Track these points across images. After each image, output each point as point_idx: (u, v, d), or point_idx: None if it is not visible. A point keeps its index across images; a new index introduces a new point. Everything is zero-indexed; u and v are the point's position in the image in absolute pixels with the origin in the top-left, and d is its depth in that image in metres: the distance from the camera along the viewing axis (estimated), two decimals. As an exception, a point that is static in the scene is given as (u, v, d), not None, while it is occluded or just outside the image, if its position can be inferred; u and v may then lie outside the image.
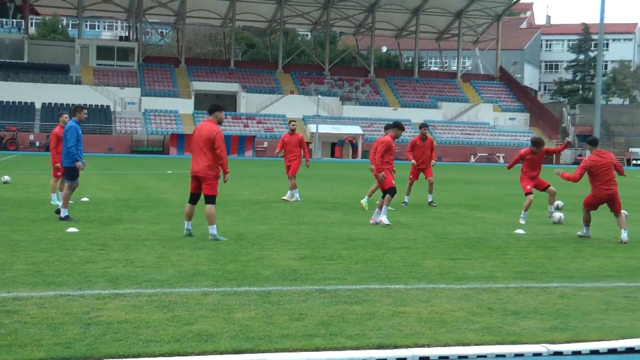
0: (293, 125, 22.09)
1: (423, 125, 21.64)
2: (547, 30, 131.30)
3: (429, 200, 21.11)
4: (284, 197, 21.24)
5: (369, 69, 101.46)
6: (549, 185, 17.83)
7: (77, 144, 15.38)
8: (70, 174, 15.55)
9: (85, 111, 16.15)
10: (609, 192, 14.33)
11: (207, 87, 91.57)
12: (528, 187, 17.40)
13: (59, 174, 17.36)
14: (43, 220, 15.00)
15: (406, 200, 21.17)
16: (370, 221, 15.97)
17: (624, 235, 13.87)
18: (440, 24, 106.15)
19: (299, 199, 21.02)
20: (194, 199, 13.21)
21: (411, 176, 21.34)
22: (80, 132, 15.59)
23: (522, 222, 16.80)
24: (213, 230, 12.84)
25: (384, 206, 15.97)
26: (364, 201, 18.97)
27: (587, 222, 14.59)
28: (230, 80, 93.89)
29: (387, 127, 16.89)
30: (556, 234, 14.96)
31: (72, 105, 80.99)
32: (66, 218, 14.96)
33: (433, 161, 21.42)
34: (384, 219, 15.74)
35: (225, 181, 13.46)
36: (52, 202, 18.19)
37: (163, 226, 14.42)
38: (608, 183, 14.36)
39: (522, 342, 6.63)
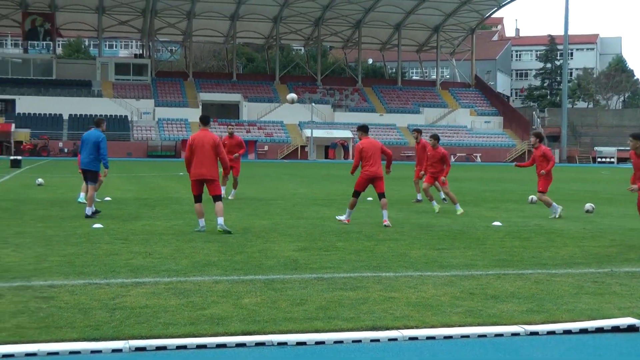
0: (231, 128, 21.70)
1: (416, 130, 21.27)
2: (516, 42, 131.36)
3: (419, 198, 20.83)
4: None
5: (357, 79, 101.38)
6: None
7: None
8: (95, 178, 15.54)
9: (105, 123, 16.12)
10: None
11: (213, 98, 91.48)
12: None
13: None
14: (72, 217, 14.98)
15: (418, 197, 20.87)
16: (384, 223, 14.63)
17: None
18: (420, 37, 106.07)
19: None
20: (200, 198, 13.21)
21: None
22: (87, 139, 15.50)
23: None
24: (222, 221, 12.86)
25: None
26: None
27: None
28: (233, 91, 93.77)
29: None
30: (530, 225, 14.95)
31: (96, 116, 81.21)
32: (92, 215, 14.94)
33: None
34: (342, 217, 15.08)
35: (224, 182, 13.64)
36: (77, 200, 18.29)
37: (177, 222, 14.41)
38: None
39: (501, 324, 6.61)
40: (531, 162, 17.51)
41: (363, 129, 15.36)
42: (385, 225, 14.15)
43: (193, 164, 13.08)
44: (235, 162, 20.25)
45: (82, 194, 17.90)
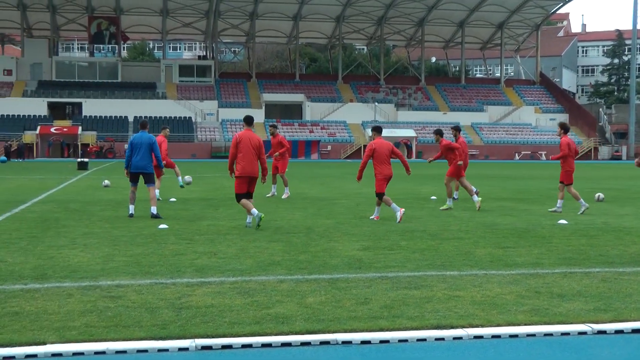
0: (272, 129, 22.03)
1: (437, 132, 20.28)
2: (583, 37, 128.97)
3: (456, 197, 20.62)
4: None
5: (420, 78, 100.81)
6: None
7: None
8: (153, 179, 15.91)
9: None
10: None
11: (276, 98, 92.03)
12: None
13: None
14: (138, 218, 15.24)
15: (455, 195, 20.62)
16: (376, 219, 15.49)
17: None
18: (484, 35, 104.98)
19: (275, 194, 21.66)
20: (246, 196, 13.73)
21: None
22: (140, 142, 15.85)
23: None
24: (255, 211, 13.37)
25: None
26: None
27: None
28: (296, 91, 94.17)
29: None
30: (597, 223, 14.69)
31: (161, 118, 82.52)
32: (157, 216, 15.21)
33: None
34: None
35: (264, 182, 14.49)
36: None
37: (241, 222, 14.52)
38: None
39: (568, 323, 6.53)
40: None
41: (377, 130, 16.05)
42: (371, 218, 15.38)
43: (242, 162, 13.52)
44: (278, 161, 21.39)
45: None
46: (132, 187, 15.82)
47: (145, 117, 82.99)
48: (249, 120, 14.01)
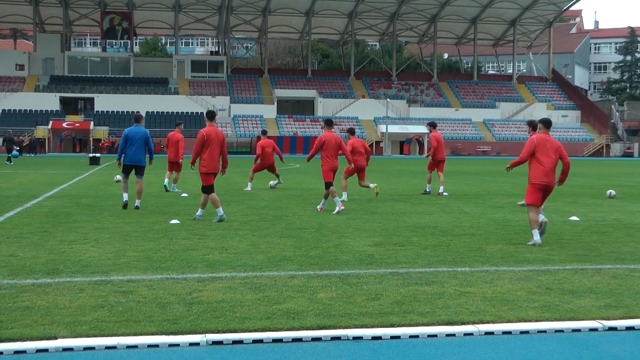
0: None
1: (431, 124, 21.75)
2: (595, 34, 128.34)
3: (428, 189, 21.42)
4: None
5: (432, 74, 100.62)
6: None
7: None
8: (143, 171, 16.47)
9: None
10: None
11: (288, 94, 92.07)
12: None
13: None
14: (150, 213, 15.28)
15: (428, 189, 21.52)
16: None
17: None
18: (496, 31, 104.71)
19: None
20: (213, 188, 14.08)
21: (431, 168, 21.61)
22: (136, 136, 16.34)
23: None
24: (221, 211, 13.79)
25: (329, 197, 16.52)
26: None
27: None
28: (308, 87, 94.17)
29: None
30: (608, 220, 14.63)
31: (173, 113, 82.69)
32: (137, 207, 15.98)
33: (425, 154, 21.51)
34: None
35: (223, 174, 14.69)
36: (172, 190, 20.54)
37: (252, 217, 14.55)
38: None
39: (579, 319, 6.52)
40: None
41: (328, 124, 16.78)
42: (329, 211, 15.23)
43: (208, 159, 13.76)
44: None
45: (174, 185, 18.81)
46: (124, 178, 16.35)
47: (158, 112, 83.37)
48: (211, 115, 14.11)
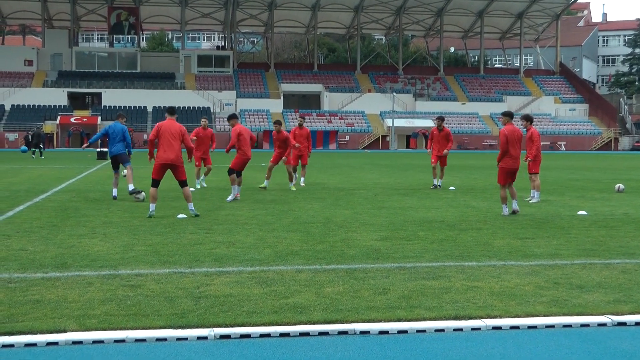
0: (300, 120, 22.31)
1: (439, 118, 21.44)
2: (603, 27, 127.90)
3: (439, 183, 21.29)
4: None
5: (438, 68, 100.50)
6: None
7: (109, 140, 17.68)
8: (128, 158, 17.70)
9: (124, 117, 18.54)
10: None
11: (294, 89, 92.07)
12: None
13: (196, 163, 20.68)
14: (157, 207, 15.23)
15: (435, 183, 21.33)
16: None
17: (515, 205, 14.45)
18: (503, 24, 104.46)
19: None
20: (158, 184, 13.98)
21: (432, 160, 21.37)
22: (115, 132, 17.65)
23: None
24: (192, 206, 13.80)
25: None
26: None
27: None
28: (314, 81, 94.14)
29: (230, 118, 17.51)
30: (617, 214, 14.58)
31: (180, 108, 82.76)
32: (134, 191, 16.92)
33: (445, 151, 21.03)
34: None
35: (189, 161, 15.12)
36: (196, 187, 20.55)
37: (259, 212, 14.56)
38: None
39: (587, 314, 6.50)
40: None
41: (233, 117, 17.40)
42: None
43: (160, 149, 13.86)
44: (303, 151, 21.58)
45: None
46: (114, 173, 17.54)
47: (164, 107, 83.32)
48: (171, 111, 14.44)
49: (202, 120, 21.51)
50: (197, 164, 20.84)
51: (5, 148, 75.17)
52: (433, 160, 21.31)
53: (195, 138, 20.64)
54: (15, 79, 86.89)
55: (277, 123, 20.29)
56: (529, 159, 17.51)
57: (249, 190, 20.24)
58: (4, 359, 5.35)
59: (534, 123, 16.92)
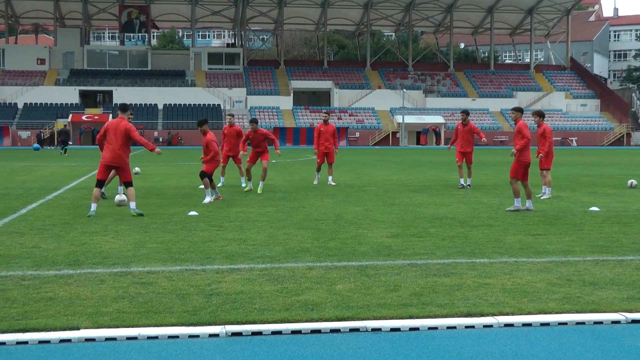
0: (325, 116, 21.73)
1: (464, 112, 20.35)
2: (615, 22, 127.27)
3: (467, 183, 19.98)
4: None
5: (448, 64, 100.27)
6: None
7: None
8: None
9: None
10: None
11: (304, 85, 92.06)
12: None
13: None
14: (168, 205, 15.33)
15: (462, 182, 20.01)
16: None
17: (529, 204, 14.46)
18: (513, 20, 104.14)
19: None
20: (102, 184, 13.83)
21: (457, 159, 20.15)
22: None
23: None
24: (134, 205, 13.48)
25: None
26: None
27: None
28: (324, 78, 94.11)
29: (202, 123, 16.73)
30: (630, 210, 14.50)
31: (190, 105, 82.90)
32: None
33: (483, 139, 20.71)
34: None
35: (159, 153, 14.30)
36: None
37: (270, 209, 14.56)
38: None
39: (600, 311, 6.45)
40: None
41: (202, 123, 16.45)
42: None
43: (105, 150, 13.66)
44: (329, 149, 21.22)
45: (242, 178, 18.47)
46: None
47: (175, 104, 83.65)
48: (122, 108, 14.07)
49: (228, 117, 21.04)
50: (223, 162, 19.91)
51: (18, 146, 75.49)
52: (458, 158, 20.12)
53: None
54: (27, 78, 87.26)
55: (254, 121, 19.10)
56: (540, 154, 17.37)
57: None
58: (18, 356, 5.37)
59: (545, 119, 16.69)
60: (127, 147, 13.72)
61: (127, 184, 13.73)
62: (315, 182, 21.26)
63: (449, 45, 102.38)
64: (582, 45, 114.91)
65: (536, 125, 17.14)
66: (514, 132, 15.83)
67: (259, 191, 18.31)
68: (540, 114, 17.00)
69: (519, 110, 14.90)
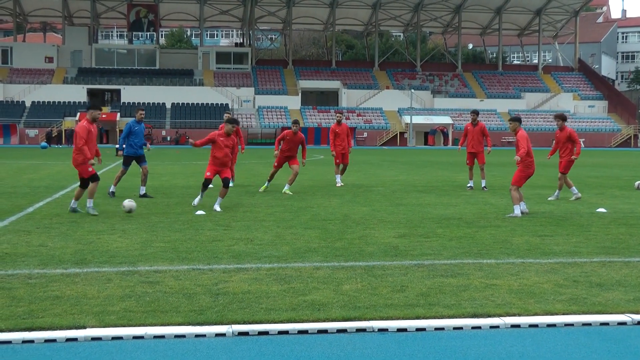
0: (339, 116, 21.34)
1: (474, 112, 20.29)
2: (623, 23, 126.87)
3: (482, 185, 19.62)
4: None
5: (456, 65, 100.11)
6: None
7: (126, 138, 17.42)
8: (145, 159, 17.70)
9: (141, 112, 18.08)
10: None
11: (312, 85, 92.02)
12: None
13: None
14: (176, 204, 15.35)
15: (470, 184, 19.78)
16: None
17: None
18: (522, 21, 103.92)
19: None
20: (85, 183, 14.11)
21: (468, 161, 19.91)
22: (133, 129, 17.40)
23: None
24: (91, 203, 13.60)
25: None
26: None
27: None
28: (333, 78, 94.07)
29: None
30: (637, 212, 14.46)
31: (198, 104, 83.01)
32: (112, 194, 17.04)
33: (488, 149, 19.86)
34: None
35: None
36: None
37: (277, 209, 14.56)
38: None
39: (607, 312, 6.44)
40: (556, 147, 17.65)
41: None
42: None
43: (89, 150, 14.09)
44: (345, 149, 21.08)
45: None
46: (123, 169, 17.58)
47: (183, 103, 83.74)
48: (87, 107, 14.49)
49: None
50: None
51: (25, 144, 75.69)
52: (468, 160, 19.80)
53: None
54: (35, 76, 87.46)
55: (296, 123, 18.55)
56: (574, 157, 17.07)
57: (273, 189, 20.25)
58: (25, 355, 5.38)
59: (551, 120, 16.75)
60: (77, 149, 14.00)
61: (82, 181, 14.04)
62: (338, 185, 20.61)
63: (457, 46, 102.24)
64: (590, 47, 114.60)
65: (559, 128, 17.11)
66: (561, 136, 16.01)
67: (288, 192, 18.00)
68: (563, 118, 17.00)
69: (516, 120, 14.29)
